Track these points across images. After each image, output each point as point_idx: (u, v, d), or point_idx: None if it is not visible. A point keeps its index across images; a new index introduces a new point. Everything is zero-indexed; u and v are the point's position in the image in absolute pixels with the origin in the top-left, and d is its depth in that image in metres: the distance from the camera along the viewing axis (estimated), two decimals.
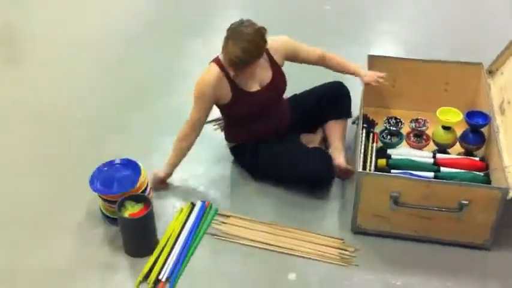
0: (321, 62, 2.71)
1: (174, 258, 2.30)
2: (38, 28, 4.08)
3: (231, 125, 2.70)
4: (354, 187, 2.32)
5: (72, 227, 2.48)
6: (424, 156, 2.55)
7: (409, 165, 2.45)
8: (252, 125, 2.61)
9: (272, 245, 2.36)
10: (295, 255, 2.33)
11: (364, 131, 2.64)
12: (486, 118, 2.54)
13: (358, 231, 2.40)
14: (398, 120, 2.69)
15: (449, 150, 2.64)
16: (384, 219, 2.34)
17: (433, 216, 2.27)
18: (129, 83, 3.44)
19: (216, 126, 2.99)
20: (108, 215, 2.43)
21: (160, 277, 2.22)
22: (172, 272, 2.25)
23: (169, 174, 2.62)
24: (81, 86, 3.42)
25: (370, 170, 2.46)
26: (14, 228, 2.49)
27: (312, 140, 2.80)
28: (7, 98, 3.32)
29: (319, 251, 2.34)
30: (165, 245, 2.35)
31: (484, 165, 2.46)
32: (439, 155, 2.54)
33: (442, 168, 2.45)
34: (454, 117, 2.56)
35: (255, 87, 2.53)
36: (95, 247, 2.38)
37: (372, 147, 2.60)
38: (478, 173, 2.41)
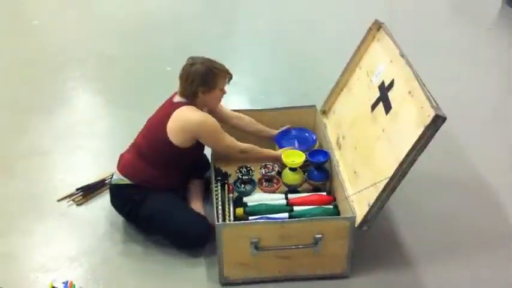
0: (238, 120, 2.94)
1: None
2: None
3: (156, 165, 2.62)
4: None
5: None
6: (278, 198, 2.67)
7: (265, 210, 2.55)
8: (174, 171, 2.68)
9: None
10: None
11: (218, 183, 2.71)
12: (326, 155, 2.74)
13: (226, 282, 2.43)
14: (249, 169, 2.80)
15: (299, 189, 2.79)
16: (248, 266, 2.40)
17: (293, 254, 2.37)
18: None
19: (70, 202, 2.91)
20: None
21: None
22: None
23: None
24: None
25: (229, 220, 2.53)
26: None
27: (196, 204, 2.83)
28: None
29: None
30: None
31: (332, 199, 2.64)
32: (290, 196, 2.68)
33: (296, 208, 2.57)
34: (298, 158, 2.73)
35: None
36: None
37: (229, 198, 2.67)
38: (327, 206, 2.57)
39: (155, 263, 2.57)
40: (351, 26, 3.91)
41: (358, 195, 2.41)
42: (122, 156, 2.73)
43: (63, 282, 2.44)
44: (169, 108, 2.59)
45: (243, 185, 2.76)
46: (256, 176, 2.80)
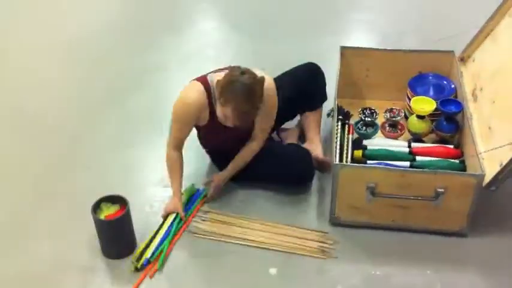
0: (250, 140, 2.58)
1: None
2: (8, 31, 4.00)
3: (203, 135, 2.60)
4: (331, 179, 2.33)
5: (48, 231, 2.45)
6: (400, 145, 2.56)
7: (385, 156, 2.46)
8: (222, 144, 2.54)
9: (252, 240, 2.36)
10: (275, 249, 2.33)
11: (339, 122, 2.64)
12: (459, 106, 2.56)
13: (336, 223, 2.40)
14: (373, 111, 2.70)
15: (424, 139, 2.65)
16: (361, 210, 2.34)
17: (410, 205, 2.28)
18: (100, 82, 3.39)
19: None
20: None
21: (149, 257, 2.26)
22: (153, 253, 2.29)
23: (179, 196, 2.49)
24: (51, 88, 3.36)
25: (346, 161, 2.46)
26: None
27: (289, 135, 2.79)
28: None
29: (299, 244, 2.34)
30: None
31: (459, 153, 2.48)
32: (414, 144, 2.55)
33: (418, 157, 2.46)
34: (428, 106, 2.58)
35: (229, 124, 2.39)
36: (73, 251, 2.36)
37: (348, 138, 2.60)
38: (453, 160, 2.43)
39: (265, 196, 2.58)
40: None
41: (490, 153, 2.24)
42: None
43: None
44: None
45: (364, 127, 2.67)
46: (380, 120, 2.69)
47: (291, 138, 2.77)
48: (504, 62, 2.47)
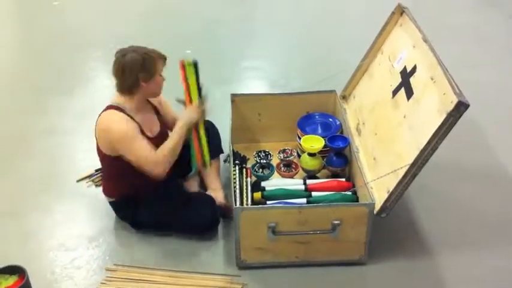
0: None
1: None
2: None
3: (113, 178, 2.60)
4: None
5: None
6: (296, 183, 2.66)
7: (283, 195, 2.54)
8: (136, 178, 2.51)
9: None
10: None
11: (237, 167, 2.71)
12: (346, 141, 2.72)
13: (243, 266, 2.44)
14: (267, 153, 2.79)
15: (318, 175, 2.78)
16: (265, 250, 2.40)
17: (310, 240, 2.37)
18: None
19: (89, 183, 2.93)
20: None
21: None
22: None
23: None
24: None
25: (247, 204, 2.52)
26: None
27: (191, 185, 2.82)
28: None
29: None
30: None
31: (351, 185, 2.62)
32: (309, 181, 2.67)
33: (314, 193, 2.56)
34: (317, 143, 2.71)
35: (150, 134, 2.51)
36: None
37: (247, 182, 2.67)
38: (346, 192, 2.56)
39: (173, 245, 2.58)
40: (373, 10, 3.87)
41: (377, 182, 2.39)
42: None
43: None
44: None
45: (261, 169, 2.76)
46: (275, 161, 2.79)
47: (193, 187, 2.80)
48: (380, 96, 2.67)
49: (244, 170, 2.74)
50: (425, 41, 2.46)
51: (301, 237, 2.36)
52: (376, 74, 2.84)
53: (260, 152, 2.79)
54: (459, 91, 2.11)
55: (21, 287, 2.16)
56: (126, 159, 2.44)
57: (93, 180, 2.94)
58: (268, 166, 2.76)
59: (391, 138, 2.47)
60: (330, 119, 2.95)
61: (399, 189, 2.24)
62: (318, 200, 2.48)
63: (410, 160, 2.20)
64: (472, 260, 2.50)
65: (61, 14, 5.06)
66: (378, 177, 2.38)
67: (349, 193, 2.54)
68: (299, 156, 2.85)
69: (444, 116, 2.10)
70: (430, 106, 2.26)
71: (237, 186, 2.58)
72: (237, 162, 2.74)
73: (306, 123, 2.93)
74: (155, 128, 2.58)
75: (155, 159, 2.43)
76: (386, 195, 2.29)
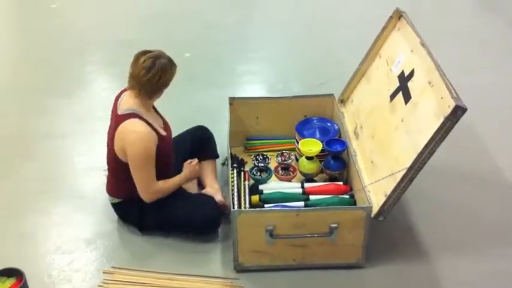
0: None
1: None
2: None
3: (122, 179, 2.57)
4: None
5: None
6: (293, 187, 2.66)
7: (281, 198, 2.55)
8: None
9: None
10: None
11: (234, 170, 2.72)
12: (343, 144, 2.73)
13: (241, 269, 2.44)
14: (265, 157, 2.80)
15: (316, 178, 2.78)
16: (263, 253, 2.40)
17: (307, 243, 2.37)
18: None
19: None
20: None
21: None
22: None
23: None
24: None
25: (245, 207, 2.53)
26: None
27: (190, 187, 2.82)
28: None
29: None
30: None
31: (348, 188, 2.62)
32: (306, 184, 2.67)
33: (311, 196, 2.57)
34: (315, 147, 2.72)
35: (162, 131, 2.54)
36: None
37: (245, 185, 2.68)
38: (343, 196, 2.56)
39: (171, 247, 2.58)
40: (371, 14, 3.88)
41: (375, 185, 2.39)
42: (107, 176, 2.72)
43: None
44: (115, 121, 2.49)
45: (259, 173, 2.76)
46: (273, 164, 2.80)
47: (192, 188, 2.81)
48: (378, 100, 2.68)
49: (242, 173, 2.75)
50: (423, 45, 2.47)
51: (298, 241, 2.36)
52: (374, 78, 2.85)
53: (258, 155, 2.80)
54: (456, 95, 2.12)
55: None
56: None
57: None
58: (266, 169, 2.76)
59: (388, 142, 2.48)
60: (328, 123, 2.96)
61: (396, 193, 2.25)
62: (315, 204, 2.49)
63: (408, 164, 2.20)
64: (469, 263, 2.51)
65: (59, 17, 5.06)
66: (375, 181, 2.39)
67: (347, 196, 2.55)
68: (297, 159, 2.86)
69: (441, 120, 2.11)
70: (427, 110, 2.27)
71: (235, 189, 2.59)
72: (235, 165, 2.74)
73: (304, 128, 2.93)
74: (161, 123, 2.61)
75: (153, 191, 2.51)
76: (383, 199, 2.29)
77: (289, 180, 2.75)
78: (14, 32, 4.94)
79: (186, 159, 2.72)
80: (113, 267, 2.47)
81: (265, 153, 2.81)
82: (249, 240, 2.37)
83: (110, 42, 4.53)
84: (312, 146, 2.72)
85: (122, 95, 2.54)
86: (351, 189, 2.61)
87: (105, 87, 3.99)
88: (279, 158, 2.80)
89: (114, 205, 2.68)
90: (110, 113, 2.57)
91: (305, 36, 4.61)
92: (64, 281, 2.42)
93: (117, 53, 4.36)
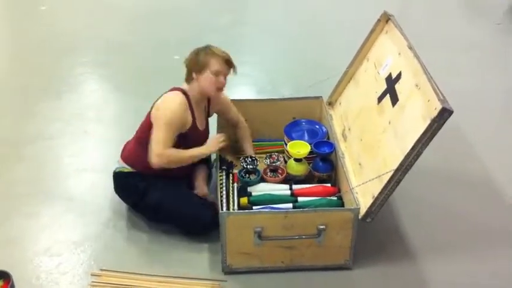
0: (235, 127, 2.95)
1: None
2: None
3: (145, 150, 2.57)
4: None
5: None
6: (282, 189, 2.67)
7: (269, 200, 2.56)
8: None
9: None
10: None
11: (223, 172, 2.72)
12: (332, 146, 2.74)
13: (229, 271, 2.44)
14: (253, 159, 2.81)
15: (304, 180, 2.78)
16: (251, 255, 2.41)
17: (296, 245, 2.38)
18: None
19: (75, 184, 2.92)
20: None
21: None
22: None
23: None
24: None
25: (233, 209, 2.53)
26: None
27: (202, 187, 2.82)
28: None
29: None
30: None
31: (336, 190, 2.64)
32: (295, 186, 2.68)
33: (300, 198, 2.58)
34: (304, 149, 2.73)
35: (200, 126, 2.65)
36: None
37: (233, 187, 2.68)
38: (331, 197, 2.58)
39: (158, 249, 2.58)
40: (359, 17, 3.90)
41: (362, 187, 2.41)
42: (126, 144, 2.76)
43: None
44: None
45: (247, 175, 2.77)
46: (261, 166, 2.81)
47: (203, 189, 2.81)
48: (365, 102, 2.70)
49: (230, 175, 2.75)
50: (411, 48, 2.49)
51: (287, 242, 2.37)
52: (361, 80, 2.87)
53: (247, 157, 2.81)
54: (443, 97, 2.14)
55: None
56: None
57: None
58: (255, 171, 2.77)
59: (376, 144, 2.49)
60: (317, 126, 2.97)
61: (384, 195, 2.26)
62: (304, 205, 2.50)
63: (395, 166, 2.22)
64: (456, 264, 2.53)
65: (49, 19, 5.05)
66: (363, 183, 2.40)
67: (335, 198, 2.56)
68: (285, 161, 2.87)
69: (428, 122, 2.13)
70: (414, 112, 2.29)
71: (224, 191, 2.59)
72: (223, 167, 2.75)
73: (292, 130, 2.95)
74: (203, 124, 2.72)
75: (163, 153, 2.51)
76: (371, 200, 2.31)
77: (278, 182, 2.76)
78: (3, 34, 4.93)
79: None
80: (101, 269, 2.47)
81: (253, 156, 2.82)
82: (238, 242, 2.37)
83: (101, 43, 4.53)
84: (300, 148, 2.74)
85: None
86: (339, 191, 2.62)
87: (96, 88, 3.99)
88: (268, 160, 2.81)
89: (120, 174, 2.68)
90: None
91: (295, 39, 4.64)
92: (52, 284, 2.41)
93: (108, 55, 4.37)
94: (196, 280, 2.41)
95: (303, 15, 5.07)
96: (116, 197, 2.76)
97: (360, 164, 2.57)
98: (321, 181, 2.76)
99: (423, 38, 3.23)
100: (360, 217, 2.33)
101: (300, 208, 2.47)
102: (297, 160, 2.74)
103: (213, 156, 2.88)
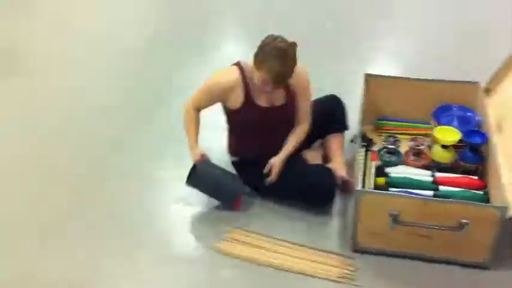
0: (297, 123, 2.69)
1: None
2: (37, 42, 4.11)
3: (233, 135, 2.69)
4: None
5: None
6: (423, 174, 2.56)
7: (408, 184, 2.46)
8: (255, 140, 2.61)
9: (273, 262, 2.37)
10: (296, 272, 2.33)
11: (363, 149, 2.65)
12: (484, 137, 2.57)
13: (358, 249, 2.40)
14: (396, 139, 2.70)
15: (448, 169, 2.65)
16: (383, 237, 2.34)
17: (433, 234, 2.28)
18: (130, 97, 3.47)
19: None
20: None
21: None
22: None
23: (197, 147, 2.60)
24: (80, 99, 3.45)
25: (369, 188, 2.47)
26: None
27: (313, 157, 2.80)
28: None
29: (320, 269, 2.34)
30: None
31: (483, 184, 2.48)
32: (438, 174, 2.55)
33: (441, 187, 2.46)
34: (453, 136, 2.58)
35: (265, 104, 2.54)
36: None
37: (371, 165, 2.61)
38: (477, 191, 2.42)
39: (288, 216, 2.60)
40: None
41: None
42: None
43: None
44: None
45: (388, 155, 2.68)
46: (403, 148, 2.70)
47: (316, 159, 2.79)
48: None
49: (369, 152, 2.68)
50: None
51: (423, 230, 2.27)
52: None
53: (390, 136, 2.71)
54: None
55: None
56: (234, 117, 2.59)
57: None
58: (396, 152, 2.67)
59: None
60: (469, 113, 2.78)
61: None
62: (445, 195, 2.37)
63: None
64: None
65: None
66: None
67: (481, 193, 2.41)
68: (430, 147, 2.73)
69: None
70: None
71: (361, 168, 2.53)
72: (363, 143, 2.68)
73: (442, 114, 2.79)
74: (277, 101, 2.56)
75: (187, 107, 2.59)
76: None
77: (419, 167, 2.64)
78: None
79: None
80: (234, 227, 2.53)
81: (397, 136, 2.72)
82: (371, 222, 2.31)
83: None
84: (449, 134, 2.59)
85: None
86: (486, 186, 2.45)
87: (240, 48, 4.04)
88: (412, 143, 2.69)
89: (233, 163, 2.73)
90: None
91: (454, 21, 4.34)
92: (184, 231, 2.53)
93: None
94: (324, 252, 2.40)
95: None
96: None
97: None
98: (466, 172, 2.60)
99: None
100: (507, 217, 2.17)
101: (441, 197, 2.35)
102: (444, 147, 2.60)
103: (354, 130, 2.80)
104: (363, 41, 4.06)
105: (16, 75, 3.77)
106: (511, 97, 2.64)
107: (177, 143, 2.78)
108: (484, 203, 2.33)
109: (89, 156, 3.01)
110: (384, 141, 2.70)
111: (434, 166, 2.62)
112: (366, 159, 2.64)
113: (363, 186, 2.46)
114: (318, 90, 2.79)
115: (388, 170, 2.58)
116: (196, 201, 2.67)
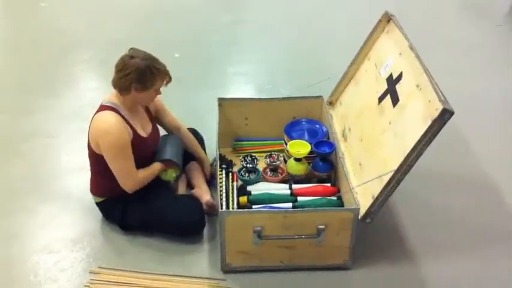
0: (176, 132, 2.79)
1: None
2: None
3: (100, 176, 2.59)
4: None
5: None
6: (282, 188, 2.67)
7: (268, 199, 2.55)
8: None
9: None
10: None
11: (223, 171, 2.72)
12: (332, 146, 2.74)
13: (228, 270, 2.44)
14: (253, 157, 2.80)
15: (303, 180, 2.78)
16: (251, 254, 2.40)
17: (295, 244, 2.38)
18: None
19: (74, 183, 2.92)
20: None
21: None
22: None
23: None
24: None
25: (233, 208, 2.53)
26: None
27: (179, 187, 2.82)
28: None
29: None
30: None
31: (336, 190, 2.63)
32: (294, 186, 2.68)
33: (299, 198, 2.57)
34: (304, 148, 2.73)
35: (144, 133, 2.53)
36: None
37: (233, 186, 2.68)
38: (331, 197, 2.57)
39: (157, 247, 2.58)
40: (360, 17, 3.90)
41: (362, 187, 2.40)
42: (90, 178, 2.70)
43: None
44: (96, 111, 2.49)
45: (247, 174, 2.76)
46: (261, 165, 2.80)
47: (181, 189, 2.81)
48: (366, 102, 2.69)
49: (230, 174, 2.75)
50: (412, 48, 2.48)
51: (286, 242, 2.37)
52: (362, 80, 2.86)
53: (246, 156, 2.80)
54: (444, 98, 2.14)
55: None
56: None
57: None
58: (255, 170, 2.76)
59: (376, 144, 2.49)
60: (317, 125, 2.97)
61: (384, 195, 2.26)
62: (303, 205, 2.49)
63: (395, 166, 2.21)
64: (455, 266, 2.52)
65: (48, 16, 5.04)
66: (363, 183, 2.40)
67: (334, 198, 2.56)
68: (285, 161, 2.86)
69: (429, 122, 2.12)
70: (415, 113, 2.28)
71: (223, 190, 2.59)
72: (223, 166, 2.74)
73: (292, 129, 2.94)
74: (148, 127, 2.59)
75: (134, 180, 2.50)
76: (371, 201, 2.30)
77: (278, 182, 2.76)
78: (3, 31, 4.91)
79: None
80: (99, 267, 2.46)
81: (253, 154, 2.82)
82: (237, 241, 2.37)
83: (100, 41, 4.52)
84: (300, 147, 2.73)
85: None
86: (339, 191, 2.62)
87: (95, 86, 3.97)
88: (268, 159, 2.80)
89: (97, 204, 2.67)
90: None
91: (295, 39, 4.63)
92: (50, 281, 2.41)
93: (107, 53, 4.34)
94: (195, 279, 2.41)
95: (304, 14, 5.06)
96: None
97: (360, 164, 2.56)
98: (321, 181, 2.75)
99: (424, 39, 3.22)
100: (359, 217, 2.33)
101: (299, 208, 2.47)
102: (297, 160, 2.74)
103: (213, 155, 2.87)
104: (215, 67, 4.16)
105: None
106: (352, 108, 2.85)
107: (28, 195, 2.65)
108: (338, 207, 2.48)
109: None
110: (242, 161, 2.78)
111: (290, 179, 2.75)
112: (227, 180, 2.70)
113: (228, 207, 2.52)
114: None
115: (249, 188, 2.66)
116: (60, 247, 2.57)
